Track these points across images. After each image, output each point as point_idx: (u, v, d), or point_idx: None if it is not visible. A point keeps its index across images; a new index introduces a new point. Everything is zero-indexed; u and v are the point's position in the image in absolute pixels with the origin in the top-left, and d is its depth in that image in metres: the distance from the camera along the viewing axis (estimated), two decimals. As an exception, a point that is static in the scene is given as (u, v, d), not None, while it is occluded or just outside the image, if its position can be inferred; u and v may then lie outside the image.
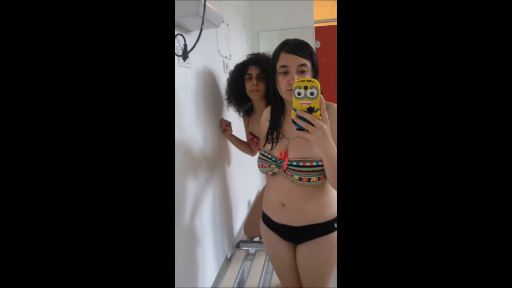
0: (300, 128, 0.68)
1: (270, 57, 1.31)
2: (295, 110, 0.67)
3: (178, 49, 0.97)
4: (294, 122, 0.68)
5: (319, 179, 0.84)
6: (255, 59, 1.28)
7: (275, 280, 1.40)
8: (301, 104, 0.67)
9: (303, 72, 0.82)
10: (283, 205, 0.92)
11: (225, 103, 1.39)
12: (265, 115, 1.00)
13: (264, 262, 1.46)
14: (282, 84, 0.84)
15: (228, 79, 1.37)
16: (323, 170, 0.83)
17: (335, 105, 0.86)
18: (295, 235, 0.94)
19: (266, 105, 1.26)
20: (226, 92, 1.37)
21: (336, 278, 0.94)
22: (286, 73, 0.82)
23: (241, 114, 1.44)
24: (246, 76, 1.28)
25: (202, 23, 0.86)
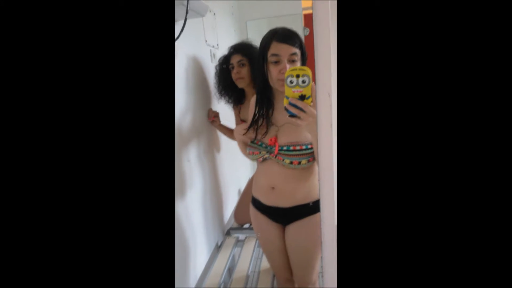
0: (292, 115, 0.70)
1: (250, 43, 1.32)
2: (287, 97, 0.70)
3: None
4: (287, 109, 0.70)
5: (308, 161, 0.88)
6: (235, 48, 1.31)
7: (264, 265, 1.44)
8: (293, 92, 0.69)
9: (293, 61, 0.84)
10: (273, 188, 0.95)
11: (217, 96, 1.40)
12: (254, 102, 1.02)
13: (254, 248, 1.50)
14: (273, 73, 0.85)
15: (215, 73, 1.38)
16: (311, 153, 0.87)
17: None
18: (285, 216, 0.98)
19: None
20: (215, 86, 1.38)
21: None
22: (277, 62, 0.84)
23: (232, 104, 1.45)
24: (230, 66, 1.31)
25: (187, 12, 0.86)
